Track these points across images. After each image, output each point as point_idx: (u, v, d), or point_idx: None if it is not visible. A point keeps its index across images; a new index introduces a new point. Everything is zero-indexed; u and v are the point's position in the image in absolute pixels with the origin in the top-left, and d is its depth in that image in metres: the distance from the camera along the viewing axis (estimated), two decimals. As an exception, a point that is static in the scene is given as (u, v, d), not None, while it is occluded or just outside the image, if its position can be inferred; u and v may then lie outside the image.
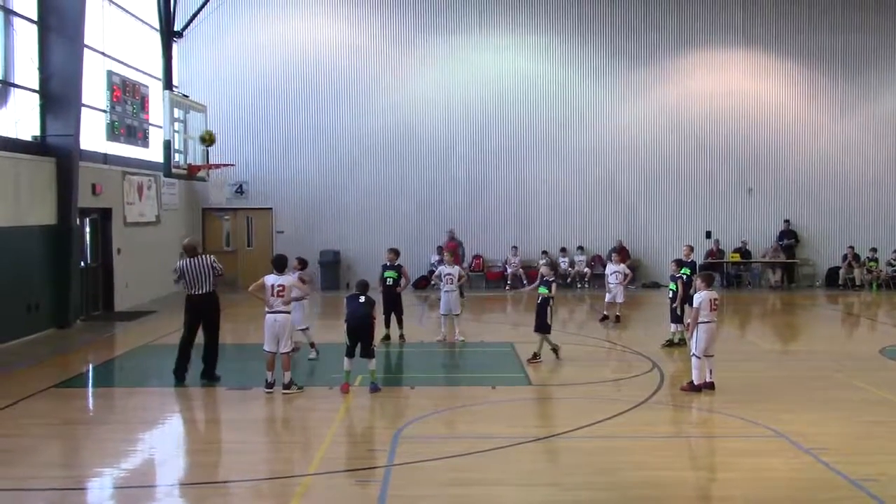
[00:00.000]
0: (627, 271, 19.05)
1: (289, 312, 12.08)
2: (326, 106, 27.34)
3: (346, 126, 27.33)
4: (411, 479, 8.38)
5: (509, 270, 26.72)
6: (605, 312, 19.10)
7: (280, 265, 12.35)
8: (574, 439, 9.79)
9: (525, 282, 25.42)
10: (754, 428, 10.16)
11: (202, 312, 13.00)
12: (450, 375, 14.36)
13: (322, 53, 27.26)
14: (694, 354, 12.02)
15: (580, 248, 27.31)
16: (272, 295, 11.98)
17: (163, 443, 10.39)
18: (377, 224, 26.76)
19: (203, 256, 12.99)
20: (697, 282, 12.62)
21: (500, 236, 27.41)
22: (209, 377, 12.91)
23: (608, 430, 10.17)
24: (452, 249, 22.57)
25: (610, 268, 19.06)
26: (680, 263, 16.25)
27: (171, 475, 9.07)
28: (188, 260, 12.92)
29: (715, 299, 12.06)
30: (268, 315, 12.03)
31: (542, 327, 14.24)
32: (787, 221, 27.43)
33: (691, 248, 17.32)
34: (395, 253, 16.78)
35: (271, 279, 12.10)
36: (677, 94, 27.59)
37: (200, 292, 12.87)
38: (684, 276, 15.80)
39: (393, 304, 16.33)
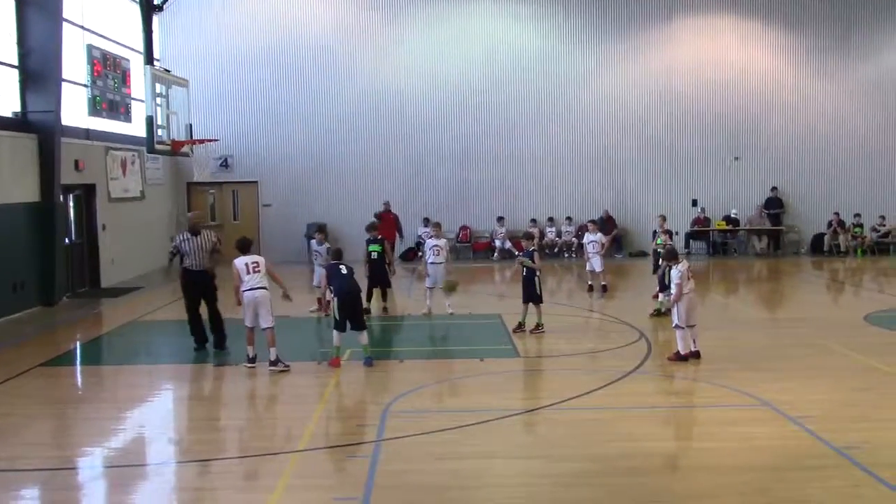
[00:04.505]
0: (604, 240, 19.09)
1: (266, 288, 12.05)
2: (311, 76, 27.13)
3: (332, 97, 27.14)
4: (400, 454, 8.41)
5: (497, 243, 26.70)
6: (589, 282, 19.14)
7: (244, 247, 12.36)
8: (562, 411, 9.84)
9: (516, 253, 25.43)
10: (740, 397, 10.25)
11: (199, 288, 13.19)
12: (438, 348, 14.35)
13: (306, 23, 26.99)
14: (677, 325, 12.08)
15: (568, 218, 27.32)
16: (248, 272, 11.94)
17: (151, 421, 10.38)
18: (364, 196, 26.61)
19: (205, 233, 13.25)
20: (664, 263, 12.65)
21: (487, 207, 27.38)
22: (220, 347, 13.22)
23: (596, 401, 10.23)
24: (391, 222, 22.58)
25: (587, 237, 19.08)
26: (668, 233, 16.53)
27: (161, 453, 9.08)
28: (188, 235, 13.14)
29: (687, 269, 12.08)
30: (246, 293, 11.95)
31: (532, 298, 14.30)
32: (774, 188, 27.49)
33: (664, 218, 17.58)
34: (375, 227, 16.90)
35: (242, 260, 12.06)
36: (664, 62, 27.48)
37: (198, 268, 13.11)
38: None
39: (379, 278, 16.40)
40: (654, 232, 17.66)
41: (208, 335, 13.43)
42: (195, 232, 13.17)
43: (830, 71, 27.67)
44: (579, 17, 27.33)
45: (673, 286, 12.18)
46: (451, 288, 16.07)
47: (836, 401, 10.13)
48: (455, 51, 27.18)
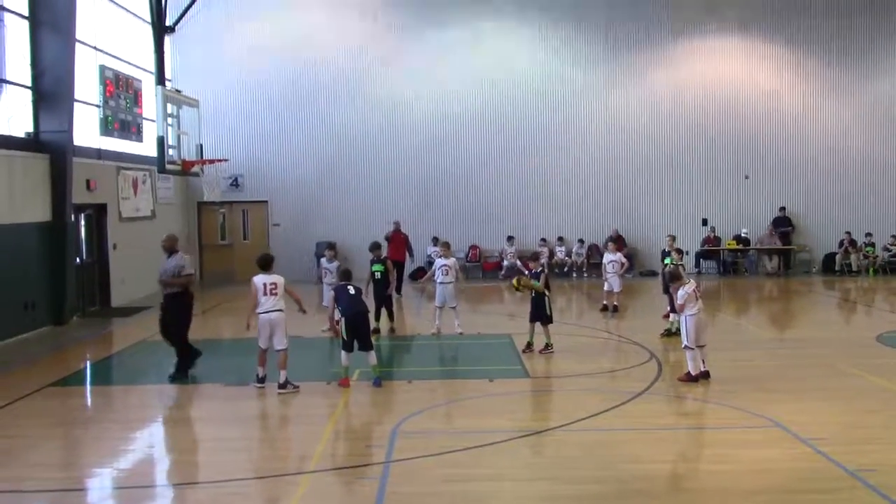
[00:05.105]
0: (624, 260, 19.16)
1: (282, 310, 12.02)
2: (321, 97, 27.26)
3: (342, 117, 27.26)
4: (409, 476, 8.37)
5: (506, 262, 26.68)
6: (604, 302, 19.11)
7: (266, 264, 12.25)
8: (572, 432, 9.78)
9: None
10: (752, 418, 10.16)
11: (165, 313, 13.02)
12: (447, 368, 14.34)
13: (316, 45, 27.15)
14: (686, 346, 12.03)
15: (580, 240, 27.30)
16: (265, 294, 11.90)
17: (161, 441, 10.38)
18: (374, 215, 26.67)
19: (177, 256, 12.95)
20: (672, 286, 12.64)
21: (497, 227, 27.39)
22: (173, 376, 12.84)
23: (606, 422, 10.17)
24: (401, 242, 22.67)
25: (607, 257, 19.13)
26: (679, 252, 16.58)
27: (170, 474, 9.06)
28: (164, 258, 13.00)
29: (695, 289, 12.05)
30: (261, 315, 11.89)
31: (541, 318, 14.26)
32: (782, 209, 27.44)
33: (673, 238, 17.63)
34: (378, 248, 16.97)
35: (261, 279, 12.00)
36: (672, 81, 27.53)
37: (166, 292, 12.95)
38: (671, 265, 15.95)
39: (383, 298, 16.39)
40: (664, 251, 17.65)
41: (197, 350, 13.24)
42: (168, 255, 12.98)
43: (840, 89, 27.65)
44: (587, 38, 27.42)
45: (676, 305, 12.20)
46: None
47: (849, 422, 10.04)
48: (464, 72, 27.27)
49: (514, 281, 14.61)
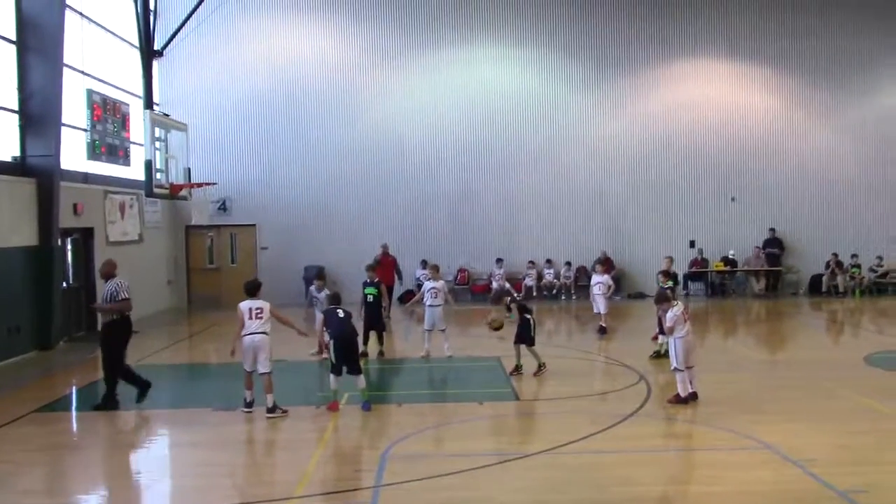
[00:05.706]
0: (610, 282, 19.18)
1: (266, 333, 11.98)
2: (310, 121, 27.31)
3: (330, 141, 27.29)
4: (400, 500, 8.31)
5: (494, 284, 26.66)
6: (601, 324, 19.06)
7: (253, 290, 12.21)
8: (563, 455, 9.75)
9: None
10: (742, 440, 10.16)
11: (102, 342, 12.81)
12: (436, 392, 14.29)
13: (305, 69, 27.24)
14: (675, 368, 12.04)
15: (568, 263, 27.35)
16: (250, 318, 11.88)
17: (148, 467, 10.29)
18: (363, 238, 26.65)
19: (112, 282, 12.63)
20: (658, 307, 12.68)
21: (486, 249, 27.42)
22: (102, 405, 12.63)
23: (597, 444, 10.14)
24: (389, 265, 22.68)
25: (594, 278, 19.16)
26: (667, 275, 16.55)
27: (157, 500, 8.98)
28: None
29: (683, 312, 12.09)
30: (245, 337, 11.85)
31: (524, 340, 14.33)
32: (772, 230, 27.57)
33: (671, 260, 17.62)
34: (374, 269, 16.88)
35: (247, 304, 11.99)
36: (660, 104, 27.72)
37: (103, 321, 12.78)
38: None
39: (374, 321, 16.34)
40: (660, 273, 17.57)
41: (145, 379, 12.91)
42: (106, 281, 12.69)
43: (826, 111, 27.91)
44: (576, 62, 27.60)
45: (666, 328, 12.25)
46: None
47: (838, 443, 10.05)
48: (453, 94, 27.40)
49: (489, 323, 14.80)
